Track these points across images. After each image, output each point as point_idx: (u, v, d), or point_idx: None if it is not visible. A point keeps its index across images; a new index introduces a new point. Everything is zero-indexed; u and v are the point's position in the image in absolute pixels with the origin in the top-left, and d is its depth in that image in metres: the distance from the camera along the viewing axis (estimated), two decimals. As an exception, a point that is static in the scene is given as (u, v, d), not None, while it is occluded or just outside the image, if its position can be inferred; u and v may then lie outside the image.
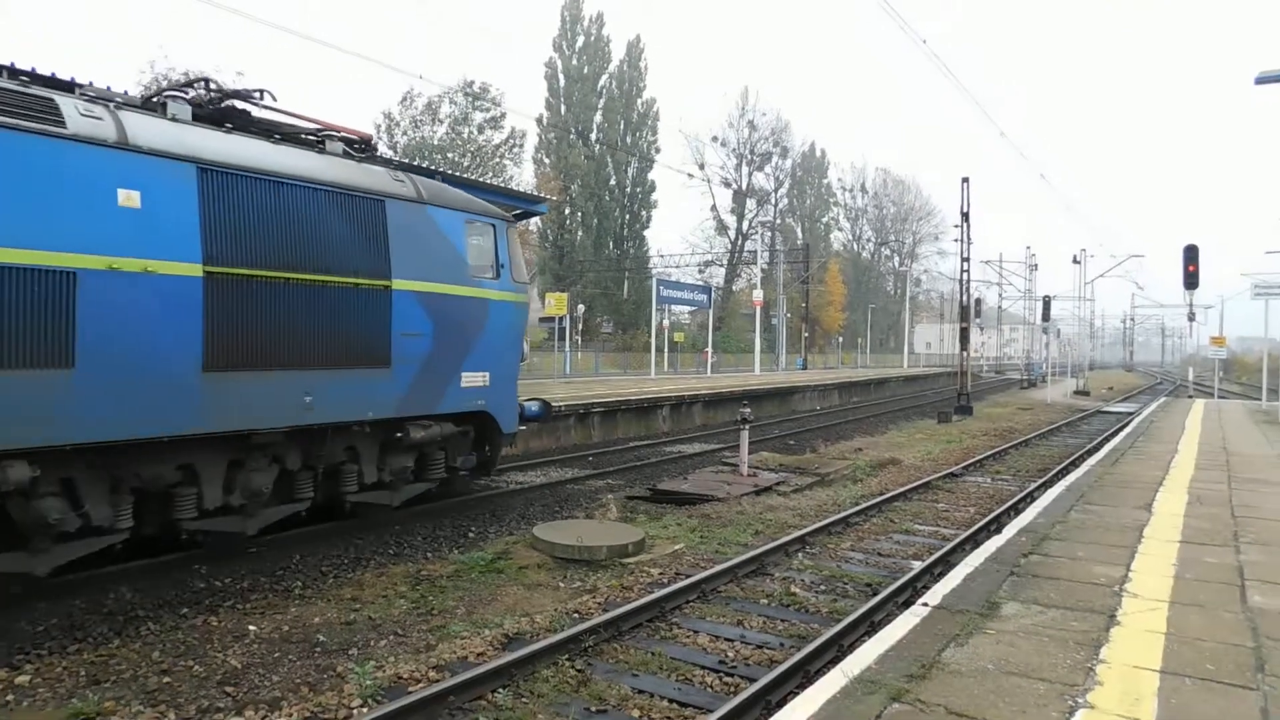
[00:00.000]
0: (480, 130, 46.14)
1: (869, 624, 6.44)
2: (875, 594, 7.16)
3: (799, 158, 76.34)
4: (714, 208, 66.10)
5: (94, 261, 6.27)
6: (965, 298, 30.01)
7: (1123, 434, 17.54)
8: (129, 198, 6.53)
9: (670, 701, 5.19)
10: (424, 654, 5.87)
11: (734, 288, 65.27)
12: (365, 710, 4.88)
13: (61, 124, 6.28)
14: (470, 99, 43.93)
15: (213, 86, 8.36)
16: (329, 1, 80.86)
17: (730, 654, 5.99)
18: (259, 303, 7.36)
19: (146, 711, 4.95)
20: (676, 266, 57.97)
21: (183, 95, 7.93)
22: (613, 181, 56.57)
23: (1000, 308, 63.75)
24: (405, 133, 43.73)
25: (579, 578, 7.84)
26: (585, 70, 55.89)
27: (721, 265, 65.29)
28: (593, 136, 55.47)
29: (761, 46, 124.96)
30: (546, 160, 54.54)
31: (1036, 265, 53.54)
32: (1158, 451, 13.85)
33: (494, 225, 10.15)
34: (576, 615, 6.65)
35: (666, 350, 43.85)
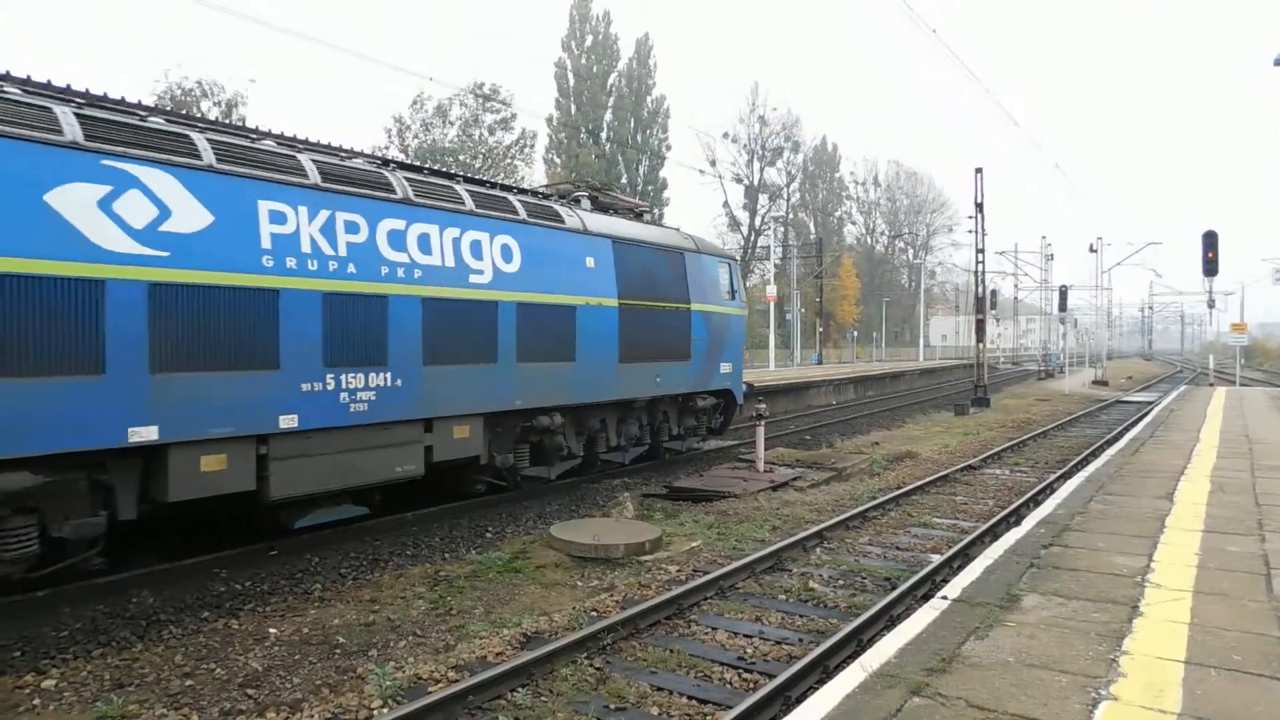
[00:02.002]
0: (491, 132, 46.18)
1: (888, 618, 6.41)
2: (894, 588, 7.12)
3: (810, 152, 75.99)
4: (726, 204, 66.04)
5: (582, 300, 11.00)
6: (980, 289, 29.78)
7: (1143, 423, 17.38)
8: (590, 262, 11.24)
9: (689, 698, 5.18)
10: (443, 654, 5.89)
11: (747, 283, 65.16)
12: (386, 711, 4.90)
13: (562, 221, 10.95)
14: (480, 100, 43.99)
15: (588, 185, 13.18)
16: (335, 3, 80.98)
17: (749, 650, 5.98)
18: (638, 321, 12.03)
19: (170, 714, 4.99)
20: (689, 263, 57.68)
21: (585, 194, 12.71)
22: (624, 180, 56.54)
23: (1016, 298, 63.32)
24: (416, 136, 43.85)
25: (596, 576, 7.85)
26: (594, 69, 55.90)
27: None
28: (603, 135, 55.47)
29: (771, 41, 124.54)
30: (557, 160, 54.60)
31: (1052, 255, 53.01)
32: (1179, 440, 13.71)
33: (730, 263, 15.09)
34: (594, 613, 6.66)
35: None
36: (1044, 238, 61.77)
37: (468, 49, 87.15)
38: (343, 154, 8.91)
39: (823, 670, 5.41)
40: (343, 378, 7.97)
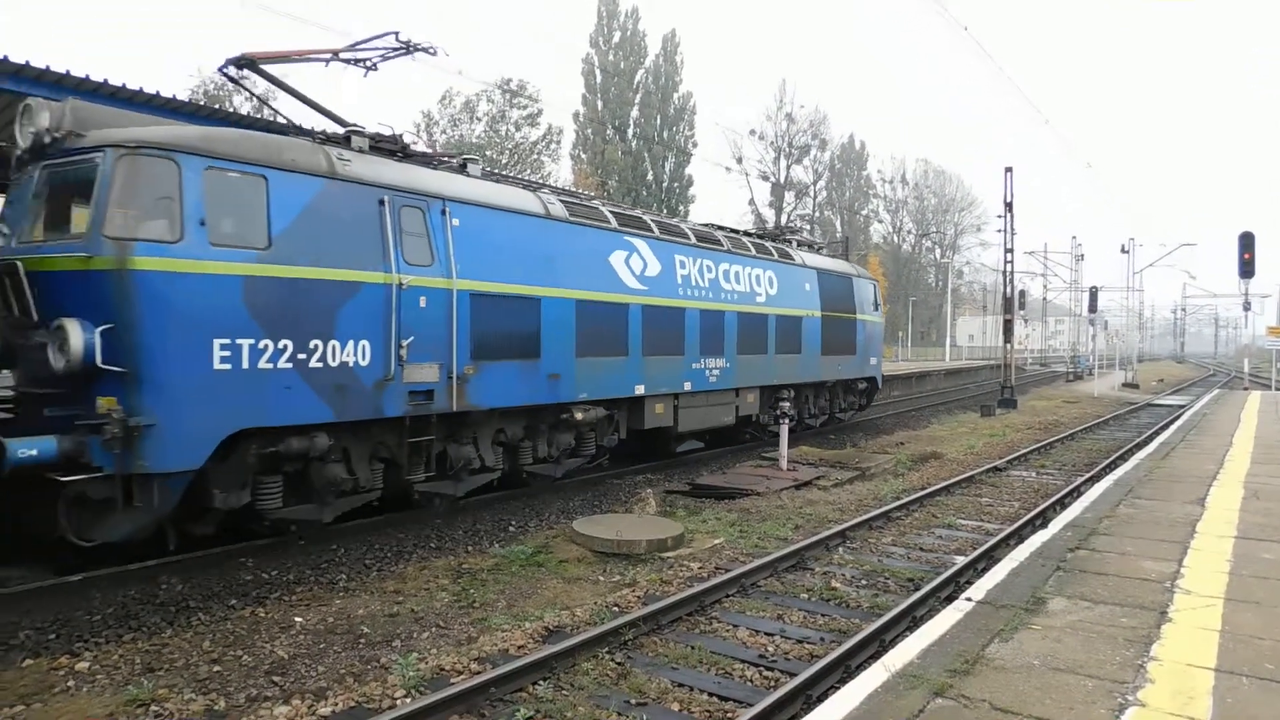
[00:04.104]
0: (517, 128, 46.35)
1: (911, 619, 6.37)
2: (917, 589, 7.07)
3: (838, 150, 75.48)
4: (751, 201, 65.71)
5: (804, 313, 16.27)
6: (1009, 289, 29.45)
7: (1173, 427, 17.10)
8: (806, 286, 16.54)
9: (710, 695, 5.19)
10: (465, 646, 5.93)
11: (772, 282, 64.75)
12: (409, 700, 4.95)
13: (793, 259, 16.37)
14: (508, 96, 44.17)
15: (790, 229, 19.79)
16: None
17: (770, 648, 5.96)
18: (830, 327, 17.22)
19: (198, 699, 5.08)
20: (714, 261, 57.39)
21: (791, 236, 18.24)
22: (650, 177, 56.44)
23: (1045, 299, 62.51)
24: (444, 131, 44.13)
25: (618, 571, 7.87)
26: (621, 66, 55.81)
27: (760, 259, 64.76)
28: (629, 132, 55.40)
29: (799, 39, 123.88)
30: (583, 156, 54.63)
31: (1083, 256, 52.41)
32: (1211, 445, 13.48)
33: (874, 284, 20.39)
34: (616, 609, 6.68)
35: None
36: (1074, 238, 60.96)
37: (495, 44, 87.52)
38: (677, 220, 14.84)
39: (845, 670, 5.38)
40: (706, 360, 13.22)
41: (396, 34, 9.25)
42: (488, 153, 42.43)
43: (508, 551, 8.35)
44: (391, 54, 9.43)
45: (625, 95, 55.80)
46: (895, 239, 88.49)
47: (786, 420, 13.58)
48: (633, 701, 5.05)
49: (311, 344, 7.43)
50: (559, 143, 49.06)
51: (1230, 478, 10.11)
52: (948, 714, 3.65)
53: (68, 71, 8.69)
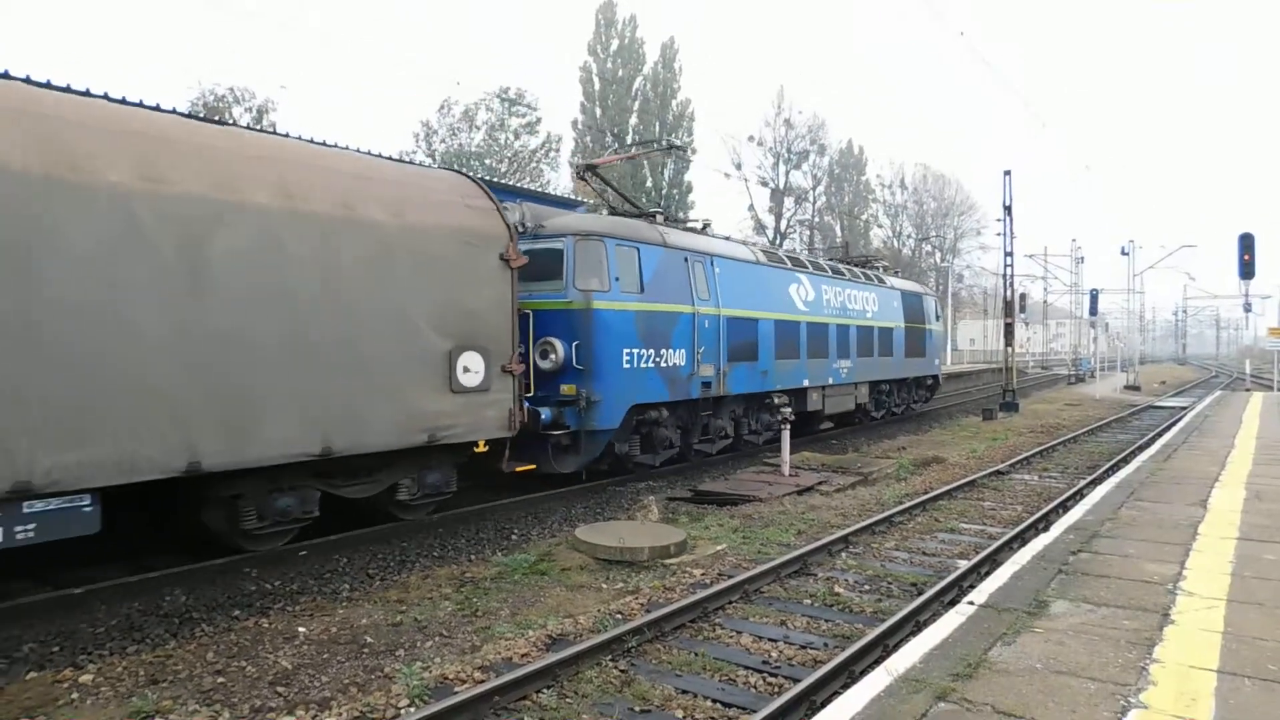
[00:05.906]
0: (516, 136, 46.36)
1: (914, 623, 6.37)
2: (920, 593, 7.07)
3: (836, 155, 75.44)
4: (751, 207, 65.65)
5: (894, 324, 21.37)
6: (1009, 292, 29.46)
7: (1175, 429, 17.09)
8: (895, 304, 21.64)
9: (714, 701, 5.19)
10: (469, 655, 5.94)
11: (772, 287, 64.61)
12: (413, 710, 4.95)
13: (885, 284, 21.78)
14: (506, 105, 44.25)
15: (879, 258, 26.98)
16: (358, 6, 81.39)
17: (774, 654, 5.96)
18: (910, 334, 21.99)
19: (202, 710, 5.08)
20: (714, 267, 57.27)
21: (879, 263, 24.24)
22: (649, 184, 56.44)
23: (1046, 302, 62.51)
24: (443, 140, 44.19)
25: (621, 579, 7.87)
26: (620, 73, 55.87)
27: (760, 265, 64.66)
28: (628, 139, 55.50)
29: (796, 45, 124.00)
30: (582, 164, 54.72)
31: (1083, 258, 52.39)
32: (1213, 446, 13.47)
33: (935, 298, 25.26)
34: (619, 616, 6.68)
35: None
36: (1074, 240, 60.99)
37: (493, 52, 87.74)
38: (798, 255, 19.62)
39: (848, 675, 5.38)
40: (839, 362, 17.61)
41: (671, 139, 14.22)
42: (487, 161, 42.50)
43: (510, 560, 8.35)
44: (655, 150, 16.31)
45: (624, 103, 55.84)
46: (895, 243, 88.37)
47: (788, 426, 13.58)
48: (636, 709, 5.05)
49: (661, 351, 12.02)
50: (558, 150, 49.15)
51: (1232, 479, 10.11)
52: (950, 718, 3.66)
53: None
